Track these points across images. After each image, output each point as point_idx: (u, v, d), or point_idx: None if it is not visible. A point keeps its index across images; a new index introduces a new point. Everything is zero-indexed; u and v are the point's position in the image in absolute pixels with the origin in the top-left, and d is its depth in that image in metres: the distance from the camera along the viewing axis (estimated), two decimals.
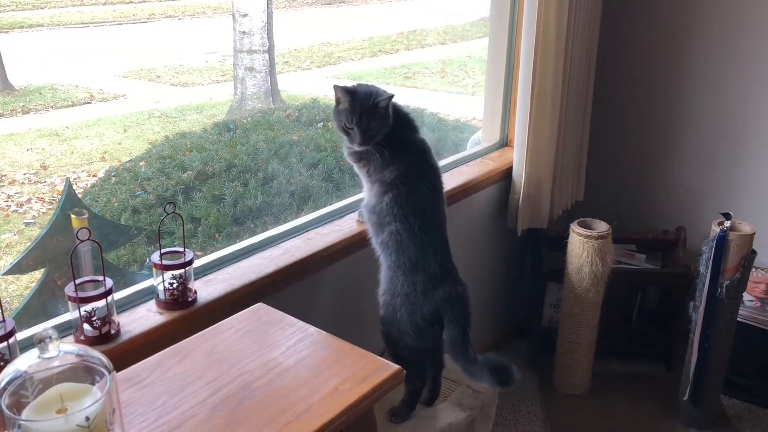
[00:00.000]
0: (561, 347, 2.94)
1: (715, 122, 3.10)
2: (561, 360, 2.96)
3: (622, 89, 3.29)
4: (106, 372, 1.08)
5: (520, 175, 2.83)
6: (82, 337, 1.59)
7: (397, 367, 1.41)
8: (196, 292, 1.80)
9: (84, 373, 1.08)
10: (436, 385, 2.26)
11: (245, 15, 4.98)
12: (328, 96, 3.12)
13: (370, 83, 1.97)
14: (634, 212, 3.35)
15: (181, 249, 1.77)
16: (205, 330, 1.54)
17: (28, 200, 3.89)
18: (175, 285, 1.75)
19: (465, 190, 2.69)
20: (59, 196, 1.98)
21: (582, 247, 2.72)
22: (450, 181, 2.65)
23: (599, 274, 2.73)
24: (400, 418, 2.10)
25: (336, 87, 1.91)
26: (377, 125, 1.89)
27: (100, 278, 1.60)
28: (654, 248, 3.18)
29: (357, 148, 1.92)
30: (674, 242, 3.11)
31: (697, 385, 2.69)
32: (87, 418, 1.02)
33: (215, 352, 1.46)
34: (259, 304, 1.65)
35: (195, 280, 1.86)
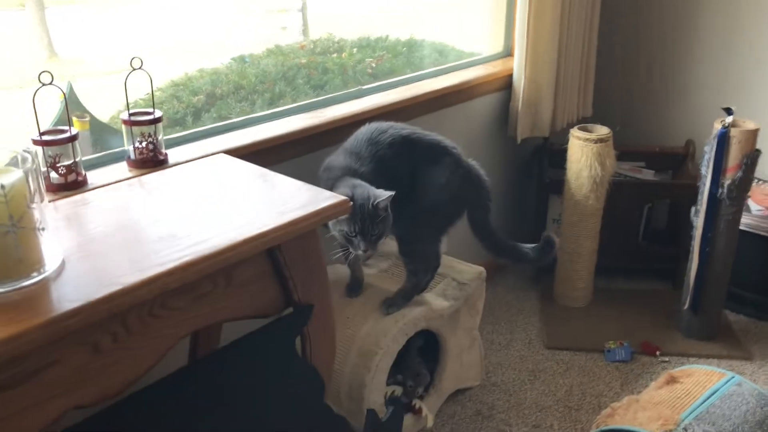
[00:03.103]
0: (561, 258, 2.89)
1: (730, 31, 2.98)
2: (561, 272, 2.91)
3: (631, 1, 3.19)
4: (29, 155, 1.11)
5: (519, 80, 2.78)
6: (48, 184, 1.62)
7: (342, 198, 1.40)
8: (167, 155, 1.82)
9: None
10: (432, 275, 2.26)
11: None
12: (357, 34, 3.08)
13: (364, 183, 1.83)
14: (644, 129, 3.25)
15: (150, 110, 1.79)
16: (163, 170, 1.56)
17: None
18: (144, 144, 1.77)
19: (462, 91, 2.66)
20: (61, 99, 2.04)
21: (581, 152, 2.66)
22: (446, 81, 2.62)
23: (599, 180, 2.67)
24: (396, 307, 2.11)
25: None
26: (381, 227, 1.82)
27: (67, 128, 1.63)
28: (663, 164, 3.09)
29: (362, 253, 1.85)
30: (683, 156, 3.02)
31: (698, 293, 2.62)
32: (2, 186, 1.04)
33: (167, 183, 1.47)
34: (221, 154, 1.66)
35: (169, 147, 1.89)
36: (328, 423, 1.49)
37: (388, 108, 2.36)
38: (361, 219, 1.77)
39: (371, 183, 1.86)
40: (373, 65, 3.06)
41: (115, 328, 1.11)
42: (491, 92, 2.83)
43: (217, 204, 1.38)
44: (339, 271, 2.30)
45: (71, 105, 2.51)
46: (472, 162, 2.11)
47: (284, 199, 1.38)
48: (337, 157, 1.98)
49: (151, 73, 1.77)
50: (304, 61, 4.17)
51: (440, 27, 3.48)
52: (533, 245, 2.15)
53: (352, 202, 1.72)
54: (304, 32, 5.69)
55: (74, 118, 1.87)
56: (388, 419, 1.60)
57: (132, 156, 1.78)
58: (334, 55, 4.56)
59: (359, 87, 2.50)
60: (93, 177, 1.71)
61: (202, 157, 1.80)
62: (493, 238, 2.13)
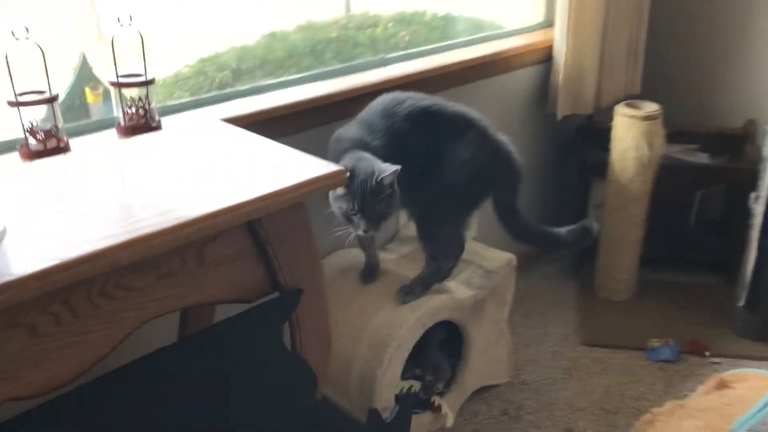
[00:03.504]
0: (602, 247, 2.65)
1: None
2: (602, 261, 2.68)
3: None
4: None
5: (560, 52, 2.54)
6: (26, 151, 1.48)
7: (336, 168, 1.22)
8: (160, 122, 1.67)
9: None
10: (455, 262, 2.07)
11: None
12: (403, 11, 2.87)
13: (360, 151, 1.66)
14: (699, 107, 2.98)
15: (141, 71, 1.63)
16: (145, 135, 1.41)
17: None
18: (134, 109, 1.61)
19: (497, 62, 2.44)
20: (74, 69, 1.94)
21: (627, 130, 2.42)
22: (480, 50, 2.41)
23: (646, 161, 2.42)
24: (413, 296, 1.93)
25: None
26: (384, 206, 1.63)
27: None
28: (719, 146, 2.82)
29: (363, 234, 1.66)
30: (742, 137, 2.74)
31: (755, 289, 2.36)
32: None
33: (146, 147, 1.32)
34: (215, 120, 1.50)
35: (168, 114, 1.73)
36: (321, 420, 1.32)
37: (414, 78, 2.17)
38: (362, 196, 1.59)
39: (383, 158, 1.67)
40: (406, 39, 2.86)
41: (56, 308, 0.96)
42: (530, 65, 2.61)
43: (195, 171, 1.21)
44: (353, 256, 2.12)
45: (85, 77, 2.38)
46: (502, 137, 1.91)
47: (272, 168, 1.21)
48: (349, 129, 1.80)
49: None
50: (334, 35, 3.97)
51: (480, 2, 3.23)
52: (569, 228, 1.94)
53: (351, 176, 1.57)
54: (347, 7, 5.47)
55: (87, 90, 1.76)
56: (393, 420, 1.42)
57: (122, 123, 1.63)
58: (369, 29, 4.37)
59: (383, 56, 2.31)
60: (78, 144, 1.56)
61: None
62: (520, 224, 1.93)
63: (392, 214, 1.69)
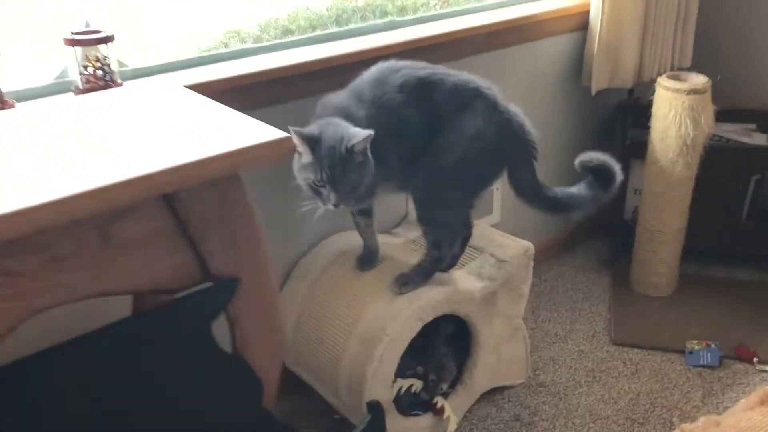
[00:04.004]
0: (640, 236, 2.39)
1: None
2: (639, 253, 2.41)
3: None
4: None
5: (597, 17, 2.27)
6: None
7: (280, 135, 1.02)
8: (123, 85, 1.49)
9: None
10: (461, 249, 1.86)
11: None
12: None
13: (335, 118, 1.48)
14: (757, 82, 2.65)
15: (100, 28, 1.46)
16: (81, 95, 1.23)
17: None
18: (92, 70, 1.45)
19: (524, 28, 2.20)
20: None
21: (669, 105, 2.14)
22: (503, 14, 2.16)
23: (690, 141, 2.14)
24: (411, 285, 1.72)
25: (292, 132, 1.40)
26: (356, 176, 1.44)
27: None
28: None
29: (333, 208, 1.47)
30: None
31: None
32: None
33: (72, 109, 1.14)
34: (177, 84, 1.31)
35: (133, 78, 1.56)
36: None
37: (424, 43, 1.94)
38: (330, 165, 1.41)
39: None
40: (438, 8, 2.63)
41: None
42: (563, 32, 2.35)
43: (113, 136, 1.03)
44: (354, 239, 1.92)
45: None
46: (514, 108, 1.67)
47: (205, 136, 1.01)
48: (336, 96, 1.60)
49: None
50: (361, 4, 3.76)
51: None
52: (584, 182, 1.71)
53: (317, 142, 1.41)
54: None
55: None
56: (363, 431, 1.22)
57: (80, 85, 1.46)
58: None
59: (392, 18, 2.09)
60: (25, 108, 1.40)
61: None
62: (545, 198, 1.71)
63: (366, 186, 1.49)
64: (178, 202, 0.95)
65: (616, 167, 1.67)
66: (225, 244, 1.01)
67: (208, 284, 1.02)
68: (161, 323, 0.98)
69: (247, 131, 1.02)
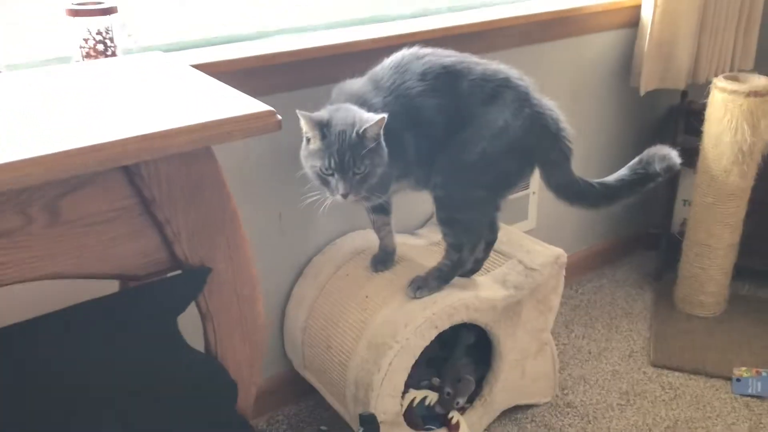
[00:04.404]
0: (687, 251, 2.20)
1: None
2: (686, 269, 2.22)
3: None
4: None
5: (650, 11, 2.10)
6: None
7: (264, 108, 0.91)
8: None
9: None
10: (486, 253, 1.73)
11: None
12: None
13: (354, 107, 1.37)
14: None
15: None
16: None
17: None
18: (92, 44, 1.36)
19: (569, 21, 2.06)
20: None
21: (725, 109, 1.96)
22: (547, 5, 2.01)
23: (746, 148, 1.96)
24: (426, 290, 1.60)
25: (300, 116, 1.33)
26: (368, 165, 1.33)
27: None
28: None
29: (341, 199, 1.36)
30: None
31: None
32: None
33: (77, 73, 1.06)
34: (156, 52, 1.22)
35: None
36: None
37: (454, 32, 1.81)
38: (339, 151, 1.30)
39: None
40: None
41: None
42: (611, 28, 2.18)
43: (85, 104, 0.93)
44: (369, 239, 1.81)
45: None
46: (548, 102, 1.53)
47: (185, 107, 0.91)
48: (354, 82, 1.49)
49: None
50: None
51: None
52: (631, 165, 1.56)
53: (327, 127, 1.32)
54: None
55: None
56: None
57: (79, 60, 1.38)
58: None
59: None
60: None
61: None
62: (586, 194, 1.57)
63: (378, 177, 1.38)
64: (140, 178, 0.84)
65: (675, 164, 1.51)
66: (195, 228, 0.90)
67: (177, 273, 0.92)
68: (115, 312, 0.88)
69: (228, 104, 0.91)
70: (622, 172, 1.56)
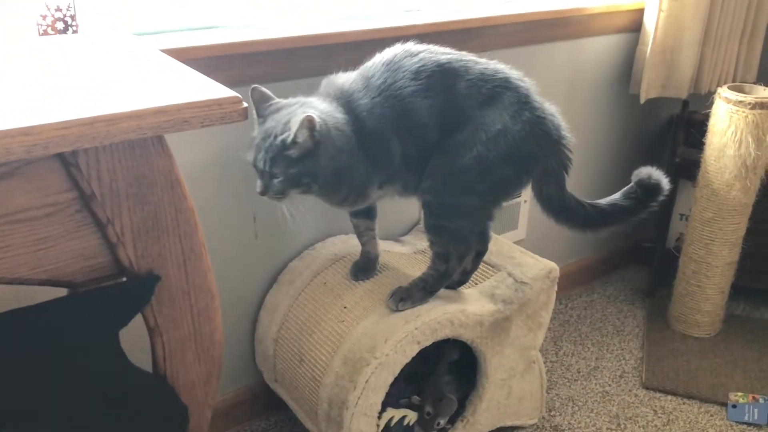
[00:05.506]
0: (683, 268, 2.10)
1: None
2: (681, 286, 2.12)
3: None
4: None
5: (653, 14, 2.00)
6: None
7: (231, 95, 0.79)
8: None
9: None
10: (475, 264, 1.61)
11: None
12: None
13: (315, 104, 1.30)
14: None
15: None
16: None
17: None
18: (50, 20, 1.24)
19: (568, 22, 1.96)
20: None
21: (728, 120, 1.86)
22: (545, 4, 1.91)
23: (750, 162, 1.87)
24: (409, 302, 1.49)
25: (251, 94, 1.29)
26: (291, 170, 1.24)
27: None
28: None
29: (259, 194, 1.29)
30: None
31: None
32: None
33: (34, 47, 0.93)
34: (124, 32, 1.10)
35: None
36: None
37: (446, 27, 1.70)
38: (258, 148, 1.25)
39: (369, 124, 1.31)
40: None
41: None
42: (612, 32, 2.08)
43: (18, 85, 0.81)
44: (351, 244, 1.69)
45: None
46: (549, 106, 1.42)
47: (136, 91, 0.79)
48: (346, 77, 1.39)
49: None
50: None
51: None
52: (621, 193, 1.46)
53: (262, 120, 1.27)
54: None
55: None
56: None
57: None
58: None
59: None
60: None
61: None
62: (576, 214, 1.46)
63: (308, 185, 1.28)
64: (78, 170, 0.72)
65: (664, 178, 1.41)
66: (142, 230, 0.78)
67: (121, 280, 0.80)
68: (46, 324, 0.76)
69: (188, 89, 0.79)
70: (616, 196, 1.46)
